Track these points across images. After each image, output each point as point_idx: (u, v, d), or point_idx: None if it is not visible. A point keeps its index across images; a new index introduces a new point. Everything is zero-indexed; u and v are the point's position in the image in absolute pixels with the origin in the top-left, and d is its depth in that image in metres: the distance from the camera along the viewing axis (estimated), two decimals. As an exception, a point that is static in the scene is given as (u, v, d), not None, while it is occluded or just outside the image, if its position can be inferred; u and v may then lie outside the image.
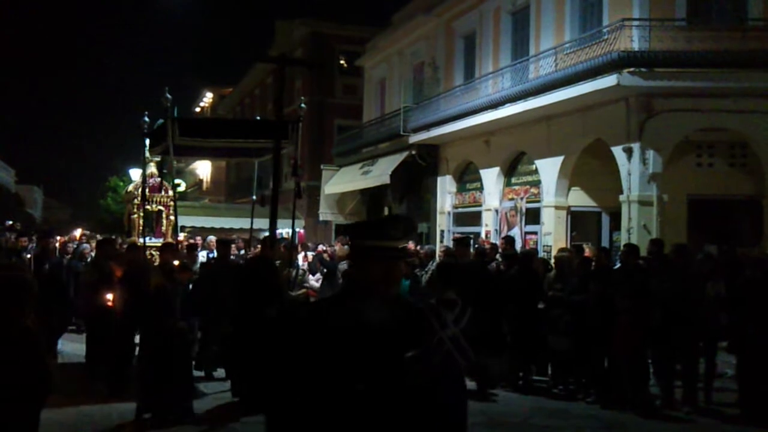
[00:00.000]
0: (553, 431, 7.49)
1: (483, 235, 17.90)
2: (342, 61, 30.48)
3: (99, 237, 16.19)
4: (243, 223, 19.70)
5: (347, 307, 2.56)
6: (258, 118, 22.18)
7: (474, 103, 17.69)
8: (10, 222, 24.49)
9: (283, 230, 14.36)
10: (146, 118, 10.78)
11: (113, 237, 14.36)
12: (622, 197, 14.00)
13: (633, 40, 13.23)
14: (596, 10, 15.31)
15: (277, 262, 8.80)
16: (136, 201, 11.52)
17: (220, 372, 9.31)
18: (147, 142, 10.99)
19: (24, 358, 3.74)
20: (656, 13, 13.61)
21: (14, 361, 3.70)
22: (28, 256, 11.43)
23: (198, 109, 50.14)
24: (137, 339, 8.16)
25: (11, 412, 3.70)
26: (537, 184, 16.92)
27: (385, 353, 2.47)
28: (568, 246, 13.46)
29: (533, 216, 16.91)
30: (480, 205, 19.27)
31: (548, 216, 16.12)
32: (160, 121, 10.33)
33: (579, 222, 16.40)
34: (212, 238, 13.75)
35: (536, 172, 16.93)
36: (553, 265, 10.20)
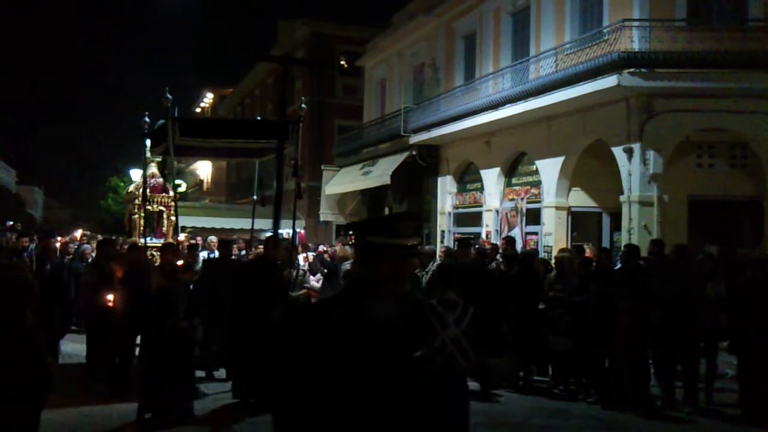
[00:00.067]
0: (553, 431, 7.50)
1: (483, 236, 17.90)
2: (342, 62, 30.47)
3: (99, 237, 16.18)
4: (244, 223, 19.72)
5: (356, 306, 2.51)
6: (258, 118, 22.18)
7: (474, 103, 17.69)
8: (11, 222, 24.47)
9: (284, 231, 14.35)
10: (147, 119, 10.78)
11: (114, 237, 14.36)
12: (622, 198, 14.01)
13: (633, 41, 13.23)
14: (596, 11, 15.32)
15: (278, 262, 8.80)
16: (137, 201, 11.52)
17: (221, 372, 9.32)
18: (148, 142, 11.00)
19: (24, 358, 3.74)
20: (656, 13, 13.61)
21: (14, 361, 3.70)
22: (28, 255, 11.42)
23: (198, 110, 50.16)
24: (138, 339, 8.17)
25: (11, 412, 3.70)
26: (537, 184, 16.92)
27: (396, 352, 2.45)
28: (569, 246, 13.45)
29: (534, 216, 16.92)
30: (480, 206, 19.27)
31: (549, 216, 16.12)
32: (161, 121, 10.33)
33: (579, 222, 16.40)
34: (213, 239, 13.73)
35: (537, 172, 16.93)
36: (554, 265, 10.20)
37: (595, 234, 16.31)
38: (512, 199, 18.01)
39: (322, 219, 27.40)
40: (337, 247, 14.81)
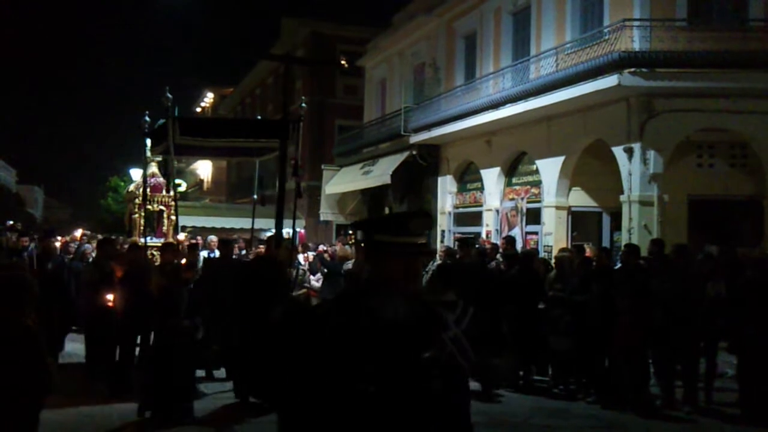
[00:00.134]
0: (553, 431, 7.50)
1: (484, 235, 17.90)
2: (343, 62, 30.45)
3: (100, 237, 16.17)
4: (244, 222, 19.69)
5: (364, 306, 2.47)
6: (259, 117, 22.17)
7: (475, 103, 17.69)
8: (11, 222, 24.44)
9: (284, 230, 14.34)
10: (147, 118, 10.77)
11: (114, 237, 14.35)
12: (622, 197, 14.01)
13: (634, 41, 13.23)
14: (597, 11, 15.32)
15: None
16: (137, 201, 11.52)
17: (221, 372, 9.32)
18: (148, 141, 10.99)
19: (24, 358, 3.74)
20: (657, 13, 13.61)
21: (14, 361, 3.70)
22: (28, 255, 11.41)
23: (199, 109, 50.14)
24: (138, 339, 8.17)
25: (11, 412, 3.70)
26: (538, 184, 16.92)
27: (405, 353, 2.42)
28: (569, 246, 13.45)
29: (534, 216, 16.91)
30: (481, 205, 19.27)
31: (549, 216, 16.12)
32: (161, 120, 10.33)
33: (580, 222, 16.40)
34: (213, 238, 13.72)
35: (537, 172, 16.93)
36: (554, 265, 10.20)
37: (596, 234, 16.30)
38: (512, 199, 18.00)
39: (322, 219, 27.41)
40: (337, 247, 14.81)
